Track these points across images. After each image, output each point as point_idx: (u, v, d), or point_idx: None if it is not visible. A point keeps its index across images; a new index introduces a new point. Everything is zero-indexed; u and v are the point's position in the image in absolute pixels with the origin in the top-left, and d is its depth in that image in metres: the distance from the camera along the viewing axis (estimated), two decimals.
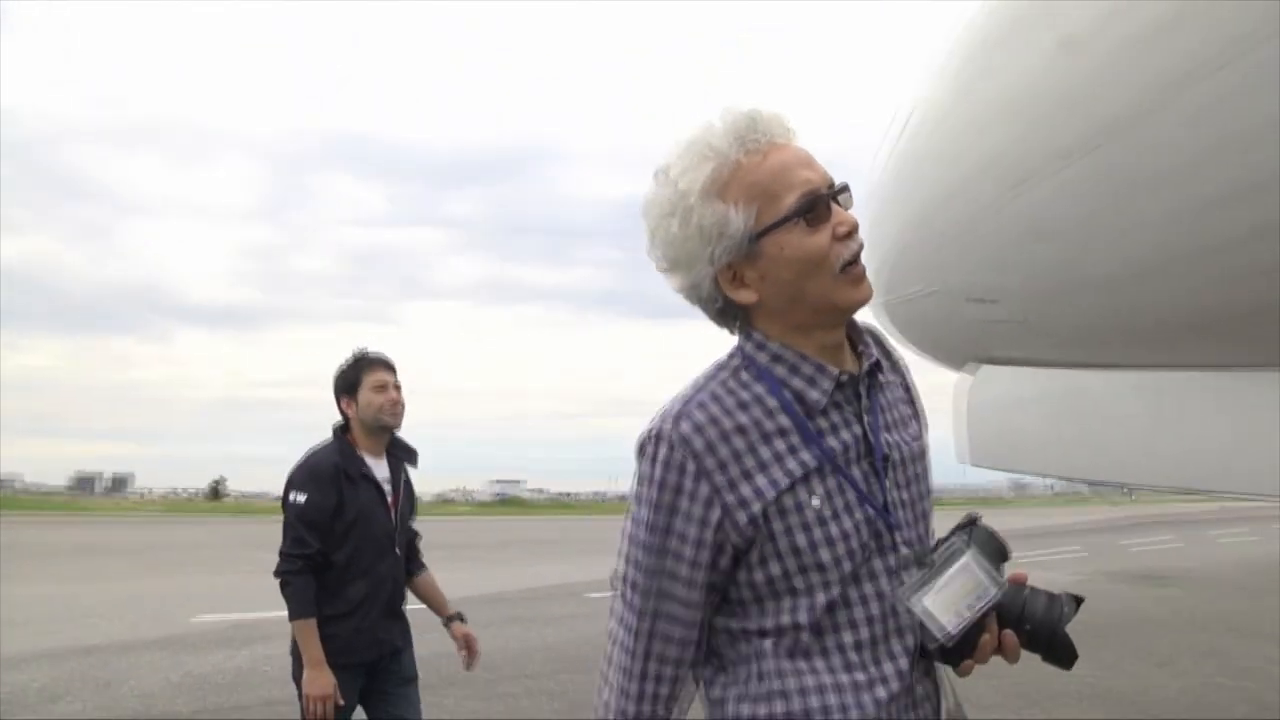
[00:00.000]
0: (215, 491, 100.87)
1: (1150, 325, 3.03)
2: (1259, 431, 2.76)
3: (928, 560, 1.32)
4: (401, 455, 3.62)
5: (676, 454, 1.32)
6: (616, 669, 1.39)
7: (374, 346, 3.57)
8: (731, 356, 1.44)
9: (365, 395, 3.47)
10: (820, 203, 1.35)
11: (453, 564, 21.63)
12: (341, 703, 3.30)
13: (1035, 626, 1.31)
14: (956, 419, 4.04)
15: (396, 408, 3.48)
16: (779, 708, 1.32)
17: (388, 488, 3.54)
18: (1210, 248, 2.57)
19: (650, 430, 1.36)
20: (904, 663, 1.35)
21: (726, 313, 1.45)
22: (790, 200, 1.35)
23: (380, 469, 3.54)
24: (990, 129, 3.34)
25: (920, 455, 1.48)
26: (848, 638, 1.33)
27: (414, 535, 3.78)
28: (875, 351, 1.47)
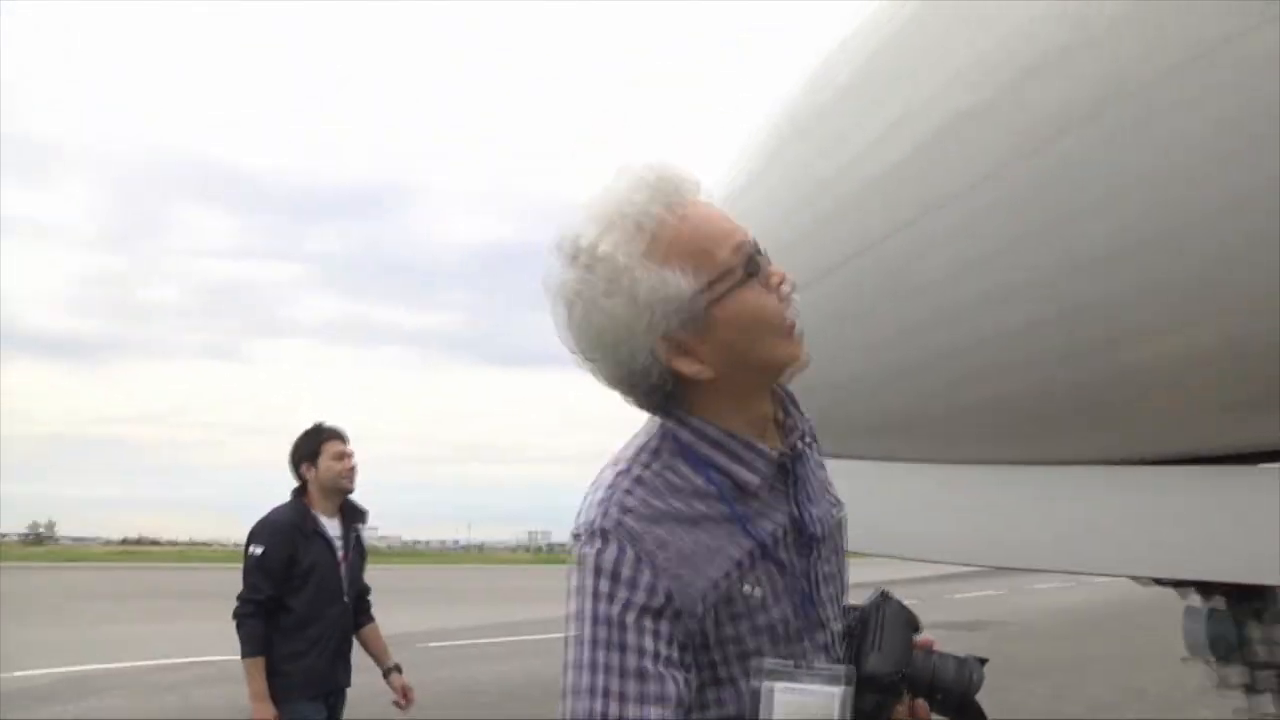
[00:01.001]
0: (38, 537, 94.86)
1: (867, 427, 3.73)
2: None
3: (846, 626, 1.34)
4: (352, 515, 4.14)
5: (611, 545, 1.21)
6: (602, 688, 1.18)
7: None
8: (650, 437, 1.33)
9: (325, 462, 3.99)
10: (752, 255, 1.28)
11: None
12: None
13: (945, 693, 1.30)
14: None
15: (353, 473, 4.06)
16: None
17: (339, 544, 4.03)
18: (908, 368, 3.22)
19: (586, 524, 1.25)
20: None
21: (656, 391, 1.30)
22: (726, 256, 1.26)
23: (333, 527, 4.04)
24: (761, 235, 3.97)
25: (839, 526, 1.43)
26: None
27: (365, 589, 4.27)
28: (800, 421, 1.40)
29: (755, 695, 1.19)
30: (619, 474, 1.28)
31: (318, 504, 4.02)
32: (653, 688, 1.17)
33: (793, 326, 1.29)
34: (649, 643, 1.18)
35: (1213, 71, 2.10)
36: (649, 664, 1.17)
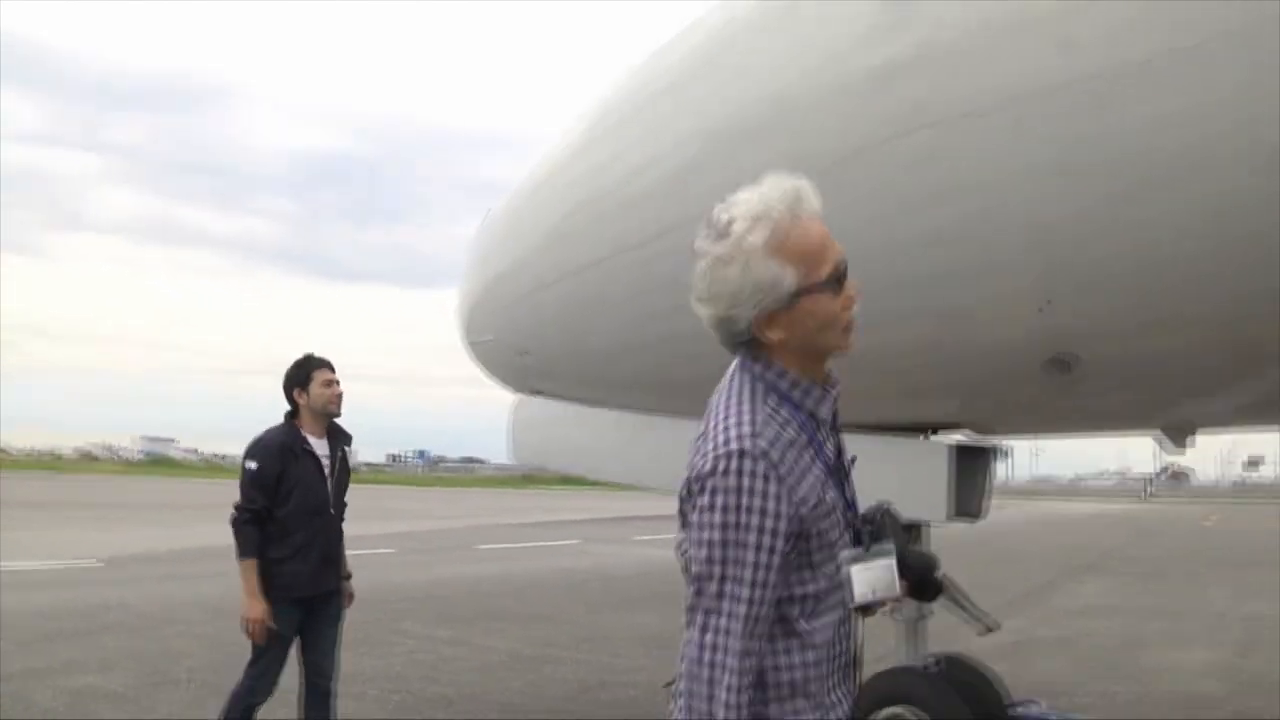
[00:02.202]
0: None
1: (621, 384, 4.83)
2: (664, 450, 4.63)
3: (861, 529, 1.73)
4: (338, 437, 4.52)
5: (760, 465, 1.55)
6: (724, 670, 1.53)
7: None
8: (755, 382, 1.67)
9: (315, 389, 4.38)
10: (843, 275, 1.66)
11: (101, 523, 21.39)
12: (274, 627, 4.19)
13: (921, 571, 1.81)
14: (508, 428, 5.83)
15: (338, 400, 4.46)
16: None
17: (326, 462, 4.42)
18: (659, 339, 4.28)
19: (730, 449, 1.56)
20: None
21: (740, 338, 1.67)
22: (826, 270, 1.63)
23: (321, 447, 4.43)
24: (545, 228, 4.96)
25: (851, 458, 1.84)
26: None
27: (345, 505, 4.64)
28: (835, 380, 1.77)
29: (844, 576, 1.63)
30: (742, 409, 1.62)
31: (307, 426, 4.42)
32: (768, 573, 1.55)
33: (849, 327, 1.69)
34: (779, 538, 1.55)
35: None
36: (779, 550, 1.56)
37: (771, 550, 1.55)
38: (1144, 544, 23.82)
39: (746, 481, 1.54)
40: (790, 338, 1.64)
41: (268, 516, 4.25)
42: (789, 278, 1.59)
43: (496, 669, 7.20)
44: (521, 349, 5.18)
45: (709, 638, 1.54)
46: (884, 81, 3.10)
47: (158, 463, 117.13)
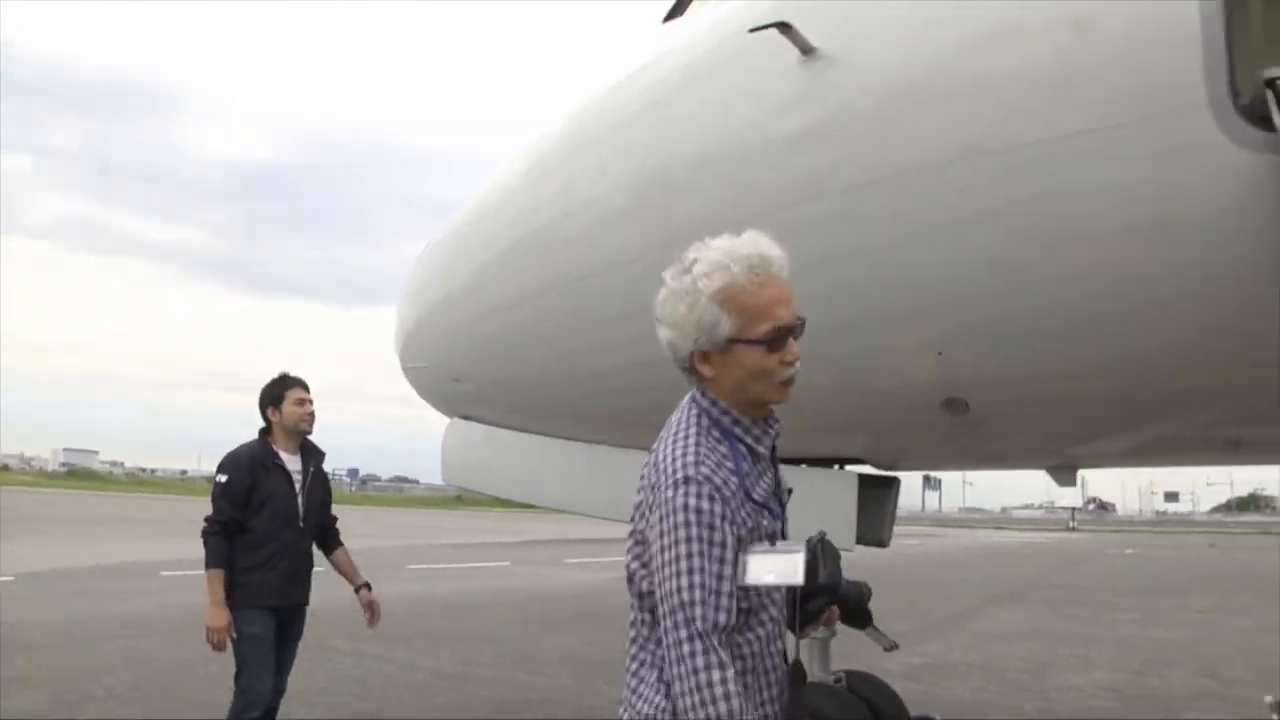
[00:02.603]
0: None
1: (550, 413, 5.03)
2: (589, 476, 4.86)
3: None
4: (310, 453, 4.67)
5: (706, 488, 1.73)
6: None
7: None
8: (700, 416, 1.87)
9: (288, 407, 4.55)
10: (783, 337, 1.82)
11: (16, 538, 20.81)
12: (234, 636, 4.29)
13: (853, 602, 1.99)
14: (441, 450, 6.01)
15: (310, 419, 4.62)
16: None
17: (298, 477, 4.55)
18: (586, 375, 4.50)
19: (679, 476, 1.74)
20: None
21: (689, 371, 1.90)
22: (764, 328, 1.80)
23: (293, 462, 4.56)
24: (482, 262, 5.13)
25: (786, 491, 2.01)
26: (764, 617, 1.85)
27: (331, 519, 4.84)
28: (775, 419, 1.95)
29: (740, 564, 1.74)
30: (688, 441, 1.81)
31: (280, 442, 4.57)
32: (730, 576, 1.72)
33: (786, 382, 1.86)
34: (728, 550, 1.72)
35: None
36: (729, 560, 1.72)
37: (725, 561, 1.71)
38: (1068, 573, 24.51)
39: (694, 502, 1.71)
40: (721, 378, 1.85)
41: (238, 529, 4.36)
42: (726, 326, 1.80)
43: (421, 686, 7.30)
44: (454, 375, 5.34)
45: (688, 647, 1.67)
46: (797, 147, 3.36)
47: (77, 475, 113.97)
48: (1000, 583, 20.29)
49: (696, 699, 1.65)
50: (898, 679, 6.29)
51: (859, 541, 4.67)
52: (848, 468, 4.72)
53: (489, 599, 13.66)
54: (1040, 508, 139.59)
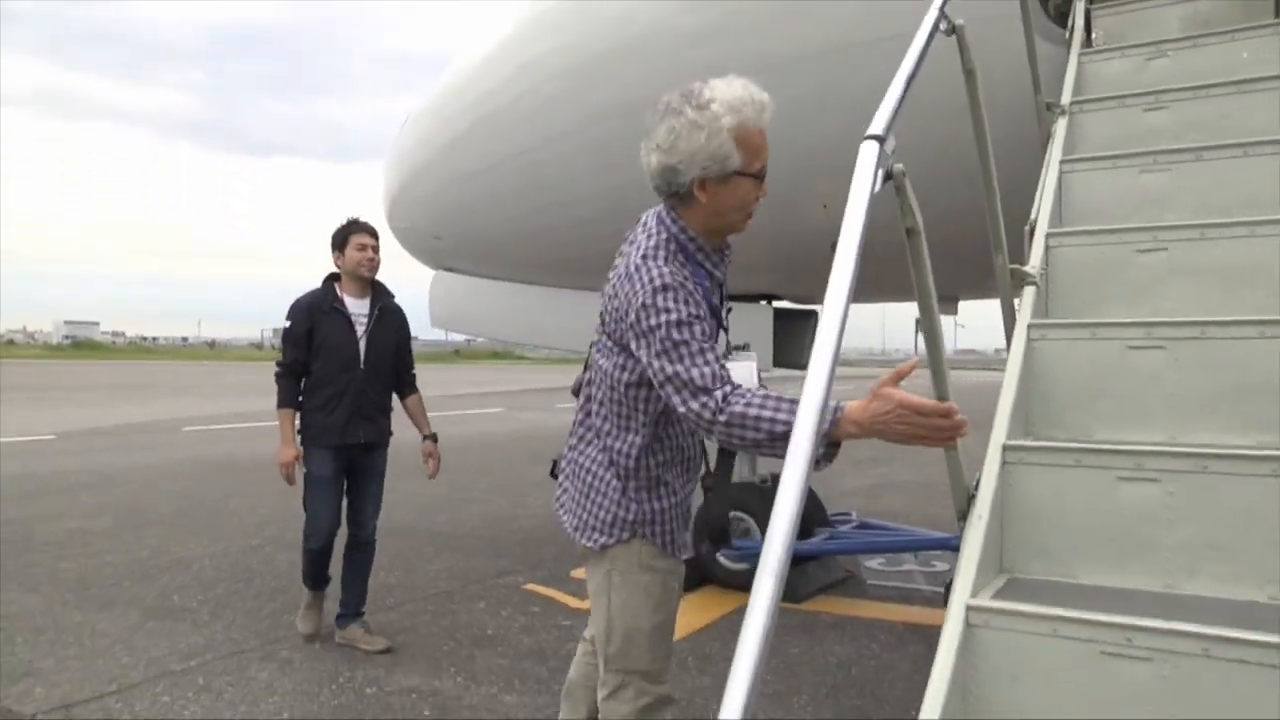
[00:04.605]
0: None
1: (514, 263, 5.95)
2: (550, 314, 5.86)
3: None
4: (381, 297, 4.64)
5: (681, 293, 1.98)
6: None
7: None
8: (669, 241, 2.11)
9: (349, 252, 4.53)
10: (764, 174, 2.09)
11: (42, 404, 22.00)
12: (303, 470, 4.44)
13: None
14: (428, 299, 6.96)
15: (371, 264, 4.56)
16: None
17: (360, 321, 4.54)
18: (543, 229, 5.43)
19: (659, 284, 1.98)
20: None
21: (674, 193, 2.10)
22: (758, 165, 2.05)
23: (357, 306, 4.55)
24: (450, 136, 5.95)
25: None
26: None
27: (407, 366, 4.78)
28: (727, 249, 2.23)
29: None
30: (659, 259, 2.05)
31: (345, 287, 4.58)
32: (712, 349, 1.97)
33: (750, 215, 2.14)
34: (706, 337, 1.97)
35: None
36: (708, 343, 1.96)
37: (706, 340, 1.96)
38: None
39: (673, 303, 1.97)
40: (710, 205, 2.07)
41: (304, 371, 4.51)
42: (736, 159, 2.02)
43: (426, 509, 8.43)
44: (435, 234, 6.24)
45: (673, 365, 1.92)
46: (694, 41, 4.18)
47: (81, 347, 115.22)
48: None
49: (742, 426, 1.83)
50: (850, 495, 7.43)
51: (776, 364, 5.67)
52: (765, 303, 5.69)
53: (483, 440, 14.83)
54: None
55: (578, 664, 2.66)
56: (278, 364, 4.55)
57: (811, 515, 5.83)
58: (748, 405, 1.80)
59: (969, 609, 1.56)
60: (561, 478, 2.40)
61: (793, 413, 1.65)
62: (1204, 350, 1.95)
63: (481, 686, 4.00)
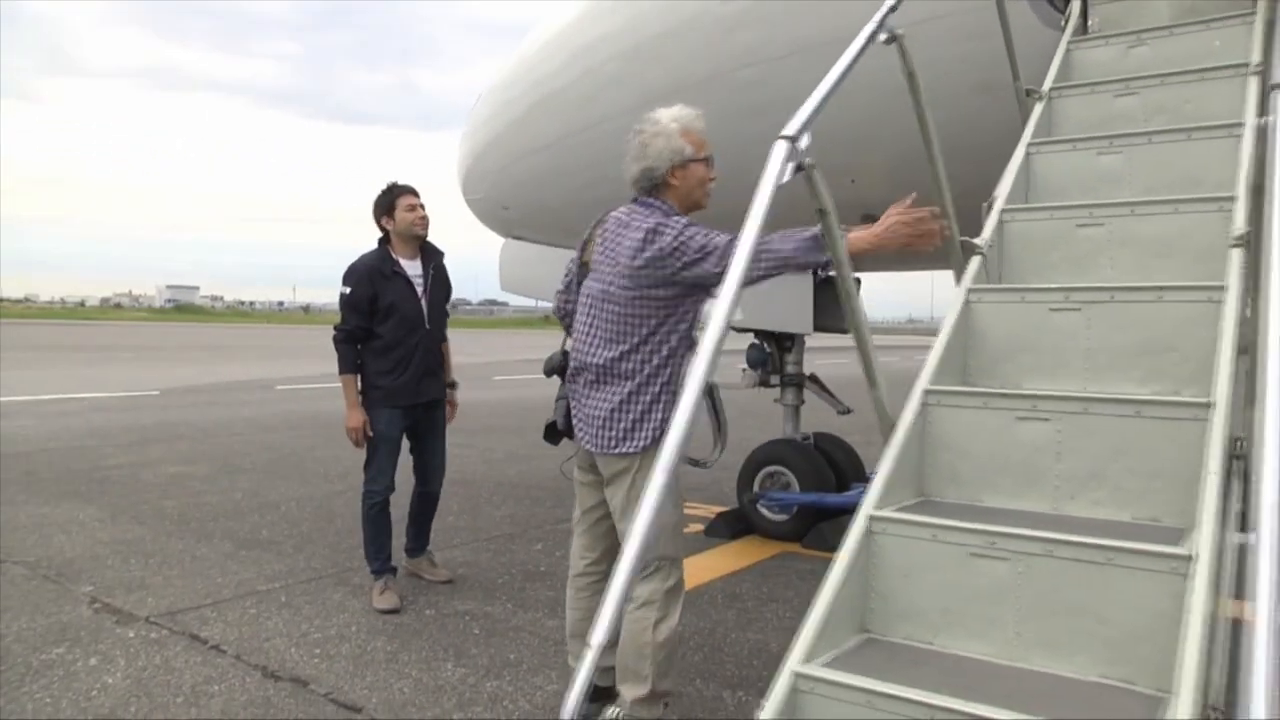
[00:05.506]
0: None
1: (573, 231, 6.34)
2: None
3: None
4: (432, 255, 4.72)
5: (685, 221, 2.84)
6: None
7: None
8: (668, 214, 2.89)
9: (400, 214, 4.57)
10: (710, 160, 3.00)
11: (146, 363, 23.40)
12: (370, 434, 4.51)
13: None
14: (499, 265, 7.43)
15: (423, 222, 4.63)
16: None
17: (419, 281, 4.63)
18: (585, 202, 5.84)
19: (684, 223, 2.83)
20: None
21: (655, 184, 2.94)
22: (704, 153, 2.96)
23: (413, 267, 4.62)
24: (516, 114, 6.38)
25: None
26: None
27: (445, 316, 4.85)
28: None
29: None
30: (669, 216, 2.90)
31: (398, 249, 4.62)
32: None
33: (708, 193, 3.01)
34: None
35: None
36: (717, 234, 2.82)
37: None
38: None
39: (692, 224, 2.81)
40: (682, 186, 2.93)
41: (365, 335, 4.53)
42: (687, 149, 2.92)
43: (497, 463, 8.97)
44: (504, 204, 6.69)
45: (714, 240, 2.73)
46: (738, 25, 4.51)
47: (182, 310, 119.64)
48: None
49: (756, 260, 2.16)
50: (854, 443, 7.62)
51: (816, 328, 5.99)
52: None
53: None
54: None
55: (576, 604, 3.20)
56: (336, 328, 4.55)
57: (847, 470, 6.17)
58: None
59: (870, 518, 1.93)
60: (579, 417, 3.07)
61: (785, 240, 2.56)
62: (1113, 312, 2.26)
63: (529, 612, 4.45)
